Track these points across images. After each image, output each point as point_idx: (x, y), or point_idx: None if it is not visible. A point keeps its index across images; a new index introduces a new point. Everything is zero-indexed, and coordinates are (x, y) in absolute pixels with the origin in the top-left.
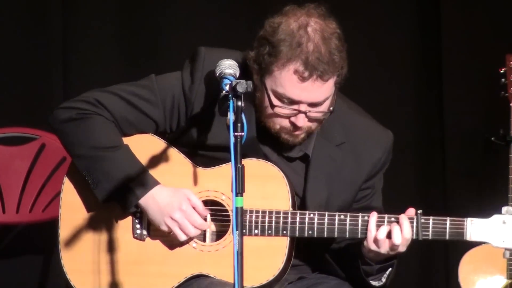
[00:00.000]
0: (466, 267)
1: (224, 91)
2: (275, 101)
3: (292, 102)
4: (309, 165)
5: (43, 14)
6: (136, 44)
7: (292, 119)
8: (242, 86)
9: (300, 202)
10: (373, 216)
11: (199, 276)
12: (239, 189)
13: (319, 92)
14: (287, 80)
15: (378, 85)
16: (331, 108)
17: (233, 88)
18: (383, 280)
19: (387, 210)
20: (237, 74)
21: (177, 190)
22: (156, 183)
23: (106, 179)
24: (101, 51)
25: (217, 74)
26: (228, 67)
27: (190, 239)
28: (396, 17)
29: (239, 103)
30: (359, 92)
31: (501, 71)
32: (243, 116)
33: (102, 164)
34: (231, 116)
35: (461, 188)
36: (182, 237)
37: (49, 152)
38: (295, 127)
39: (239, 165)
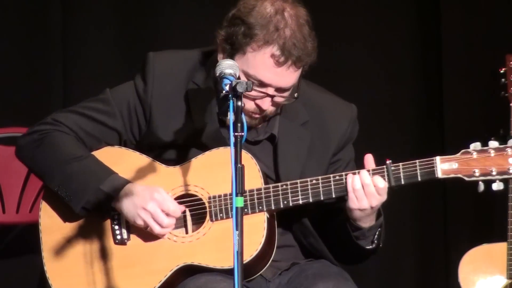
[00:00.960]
0: (466, 267)
1: (224, 91)
2: None
3: (261, 84)
4: (277, 145)
5: (43, 15)
6: (135, 45)
7: (258, 101)
8: (242, 86)
9: (275, 183)
10: (350, 177)
11: (187, 268)
12: (239, 189)
13: (290, 78)
14: (261, 63)
15: (378, 85)
16: (295, 94)
17: (233, 88)
18: (375, 241)
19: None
20: (237, 74)
21: (148, 186)
22: (126, 181)
23: (78, 188)
24: (100, 51)
25: (217, 74)
26: (228, 67)
27: (164, 228)
28: (396, 17)
29: (239, 103)
30: (359, 92)
31: (501, 71)
32: (243, 116)
33: (71, 175)
34: (231, 116)
35: (460, 188)
36: (156, 227)
37: None
38: (260, 109)
39: (239, 165)
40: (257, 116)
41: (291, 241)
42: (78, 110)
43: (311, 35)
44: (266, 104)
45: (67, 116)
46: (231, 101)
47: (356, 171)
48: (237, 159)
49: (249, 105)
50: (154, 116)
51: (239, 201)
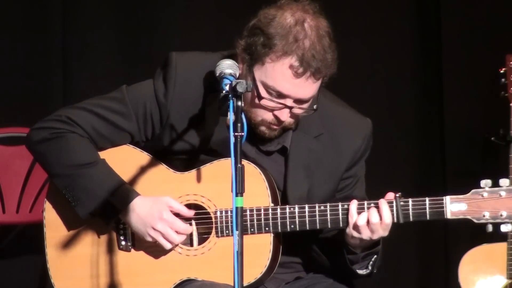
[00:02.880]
0: (466, 267)
1: (224, 91)
2: (263, 93)
3: (279, 96)
4: (287, 158)
5: (43, 15)
6: (136, 45)
7: (276, 112)
8: (242, 86)
9: (281, 195)
10: (353, 204)
11: (187, 281)
12: (239, 189)
13: (309, 89)
14: (279, 74)
15: (378, 85)
16: (314, 106)
17: (233, 88)
18: (369, 267)
19: None
20: (237, 74)
21: (157, 199)
22: (136, 194)
23: (86, 196)
24: (100, 51)
25: (217, 74)
26: (228, 67)
27: (176, 245)
28: (396, 17)
29: (239, 103)
30: (359, 92)
31: (501, 71)
32: (243, 116)
33: (81, 181)
34: (231, 116)
35: (461, 188)
36: (168, 245)
37: None
38: (278, 120)
39: (239, 165)
40: (275, 127)
41: (296, 255)
42: (93, 110)
43: (331, 47)
44: (285, 116)
45: (82, 115)
46: (231, 101)
47: (365, 204)
48: (237, 159)
49: (268, 116)
50: (171, 120)
51: (239, 201)
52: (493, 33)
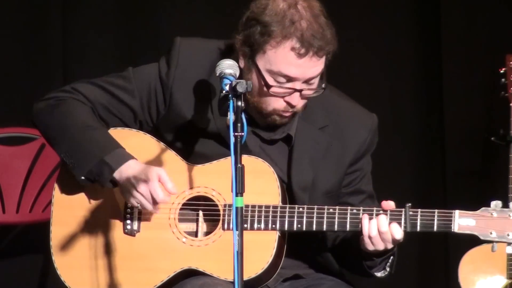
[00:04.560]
0: (466, 267)
1: (224, 91)
2: (271, 81)
3: (288, 80)
4: (292, 147)
5: (43, 15)
6: (136, 45)
7: (287, 98)
8: (242, 86)
9: (286, 185)
10: (365, 219)
11: (189, 272)
12: (239, 189)
13: (314, 68)
14: (283, 58)
15: (378, 85)
16: (323, 85)
17: (233, 88)
18: (387, 269)
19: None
20: (237, 74)
21: (150, 166)
22: (131, 157)
23: (84, 156)
24: (101, 51)
25: (217, 74)
26: (228, 67)
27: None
28: (396, 17)
29: (239, 103)
30: (358, 91)
31: (501, 71)
32: (243, 116)
33: (80, 142)
34: (231, 116)
35: (461, 188)
36: (148, 205)
37: (49, 152)
38: (290, 106)
39: (239, 165)
40: (287, 114)
41: (297, 251)
42: (97, 83)
43: (328, 24)
44: (296, 100)
45: (86, 86)
46: (231, 101)
47: (374, 211)
48: (237, 159)
49: (279, 103)
50: (174, 100)
51: (239, 201)
52: (493, 33)
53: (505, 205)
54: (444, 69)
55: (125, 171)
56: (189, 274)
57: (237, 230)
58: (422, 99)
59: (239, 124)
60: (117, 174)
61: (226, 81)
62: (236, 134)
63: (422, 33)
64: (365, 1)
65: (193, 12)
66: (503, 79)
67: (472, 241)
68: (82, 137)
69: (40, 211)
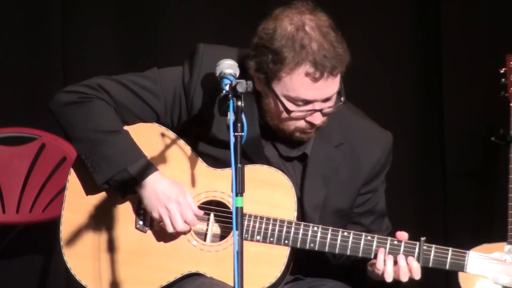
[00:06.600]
0: None
1: (224, 91)
2: (290, 106)
3: (306, 103)
4: (306, 165)
5: (43, 14)
6: (136, 44)
7: (308, 118)
8: (242, 86)
9: (298, 202)
10: (381, 253)
11: (194, 275)
12: (239, 189)
13: (331, 87)
14: (299, 84)
15: (377, 86)
16: (342, 98)
17: (233, 88)
18: None
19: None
20: (237, 74)
21: (176, 182)
22: (155, 169)
23: (106, 162)
24: (101, 51)
25: (217, 74)
26: (228, 67)
27: (181, 234)
28: (396, 17)
29: (239, 103)
30: (358, 92)
31: (501, 71)
32: (243, 116)
33: (102, 147)
34: (231, 116)
35: (461, 188)
36: (170, 228)
37: (49, 152)
38: (312, 125)
39: (239, 165)
40: (310, 131)
41: (300, 256)
42: (124, 82)
43: (338, 39)
44: (317, 119)
45: (112, 85)
46: (231, 101)
47: (388, 241)
48: (237, 159)
49: (300, 123)
50: (195, 107)
51: (239, 201)
52: (493, 33)
53: None
54: (444, 69)
55: (150, 184)
56: (194, 276)
57: (237, 230)
58: (422, 99)
59: (239, 124)
60: (139, 186)
61: (226, 81)
62: (236, 134)
63: (422, 32)
64: (365, 1)
65: (193, 12)
66: (503, 79)
67: (472, 241)
68: (106, 142)
69: (40, 211)
